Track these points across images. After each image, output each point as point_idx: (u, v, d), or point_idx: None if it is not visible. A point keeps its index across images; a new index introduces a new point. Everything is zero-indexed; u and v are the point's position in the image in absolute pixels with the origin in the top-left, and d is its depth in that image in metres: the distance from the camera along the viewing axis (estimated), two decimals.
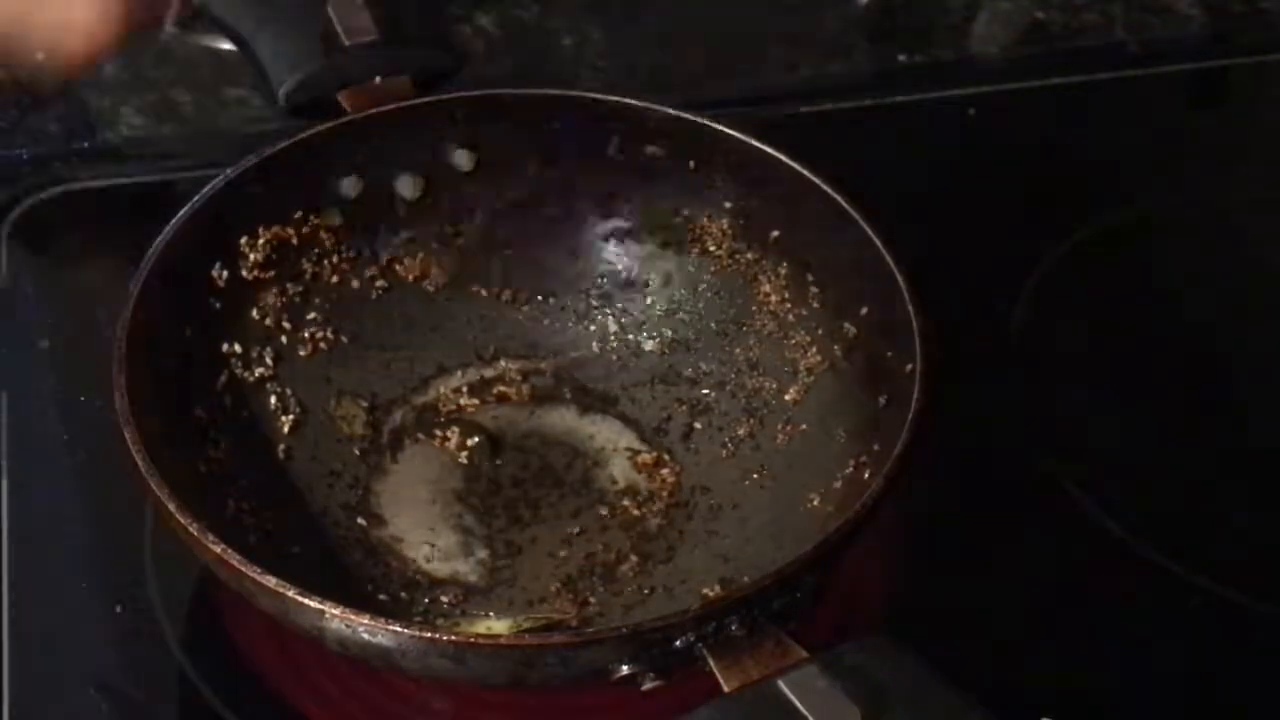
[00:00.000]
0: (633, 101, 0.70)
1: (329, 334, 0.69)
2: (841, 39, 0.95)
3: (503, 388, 0.70)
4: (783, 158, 0.67)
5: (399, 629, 0.51)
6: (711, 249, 0.71)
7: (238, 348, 0.66)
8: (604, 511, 0.66)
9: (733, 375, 0.69)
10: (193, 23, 0.90)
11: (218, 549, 0.53)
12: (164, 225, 0.63)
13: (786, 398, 0.67)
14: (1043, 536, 0.69)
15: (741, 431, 0.68)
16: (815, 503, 0.62)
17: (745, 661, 0.51)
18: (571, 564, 0.64)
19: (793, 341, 0.68)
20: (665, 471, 0.67)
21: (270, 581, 0.52)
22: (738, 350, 0.70)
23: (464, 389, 0.70)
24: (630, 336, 0.72)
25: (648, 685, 0.52)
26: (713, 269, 0.71)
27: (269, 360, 0.67)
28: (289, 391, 0.67)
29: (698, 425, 0.69)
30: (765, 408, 0.68)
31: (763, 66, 0.93)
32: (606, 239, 0.72)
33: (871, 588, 0.66)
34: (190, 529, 0.53)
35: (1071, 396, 0.75)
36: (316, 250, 0.69)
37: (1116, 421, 0.74)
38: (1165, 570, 0.67)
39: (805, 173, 0.66)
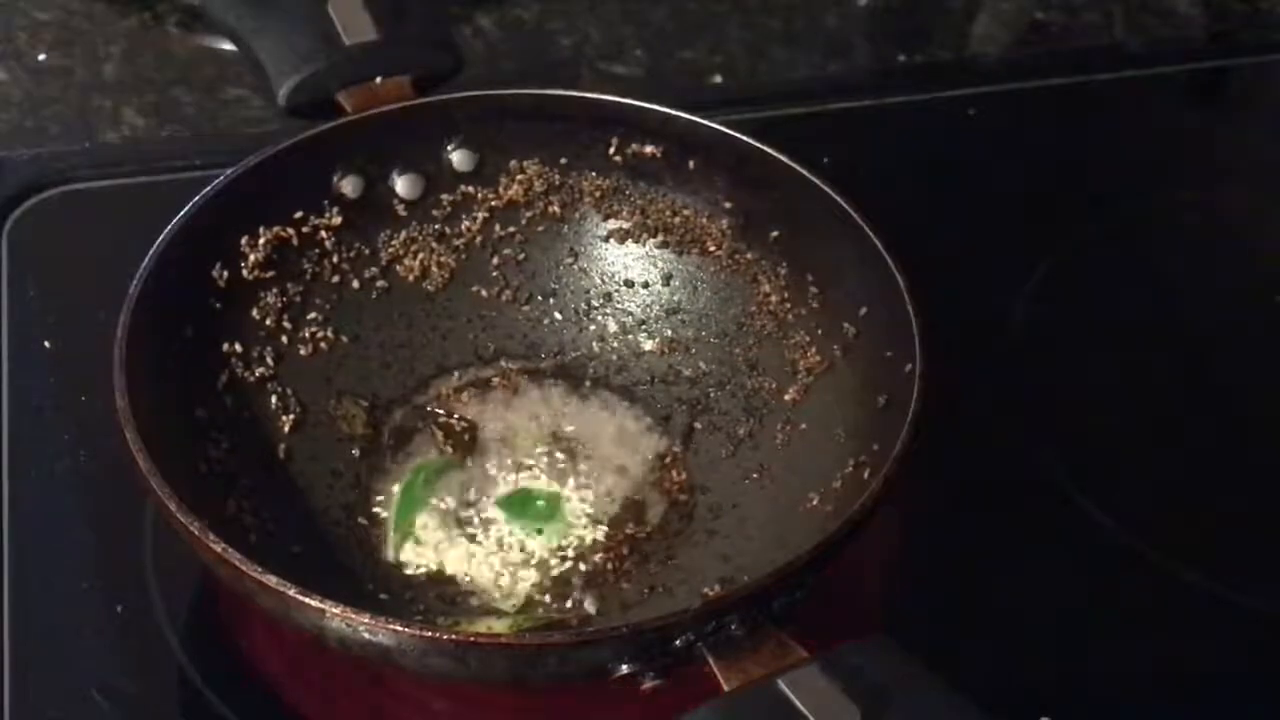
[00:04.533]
0: (633, 102, 0.70)
1: (329, 334, 0.69)
2: (841, 39, 0.95)
3: (503, 387, 0.70)
4: (783, 158, 0.67)
5: (399, 628, 0.51)
6: (711, 249, 0.71)
7: (238, 348, 0.66)
8: (604, 511, 0.66)
9: (732, 375, 0.69)
10: (193, 22, 0.91)
11: (218, 549, 0.53)
12: (164, 225, 0.63)
13: (786, 398, 0.67)
14: (1042, 536, 0.69)
15: (741, 431, 0.68)
16: (815, 503, 0.62)
17: (745, 661, 0.51)
18: (572, 563, 0.64)
19: (792, 341, 0.68)
20: (674, 472, 0.67)
21: (270, 581, 0.52)
22: (738, 350, 0.70)
23: (464, 389, 0.70)
24: (630, 336, 0.72)
25: (648, 685, 0.52)
26: (713, 269, 0.71)
27: (269, 360, 0.67)
28: (289, 391, 0.67)
29: (698, 425, 0.69)
30: (765, 408, 0.68)
31: (763, 66, 0.93)
32: (606, 239, 0.72)
33: (871, 588, 0.66)
34: (190, 529, 0.53)
35: (1071, 396, 0.75)
36: (316, 250, 0.69)
37: (1116, 421, 0.74)
38: (1165, 570, 0.67)
39: (805, 173, 0.66)
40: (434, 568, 0.63)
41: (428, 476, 0.66)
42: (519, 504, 0.65)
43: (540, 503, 0.66)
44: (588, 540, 0.65)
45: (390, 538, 0.64)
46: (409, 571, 0.63)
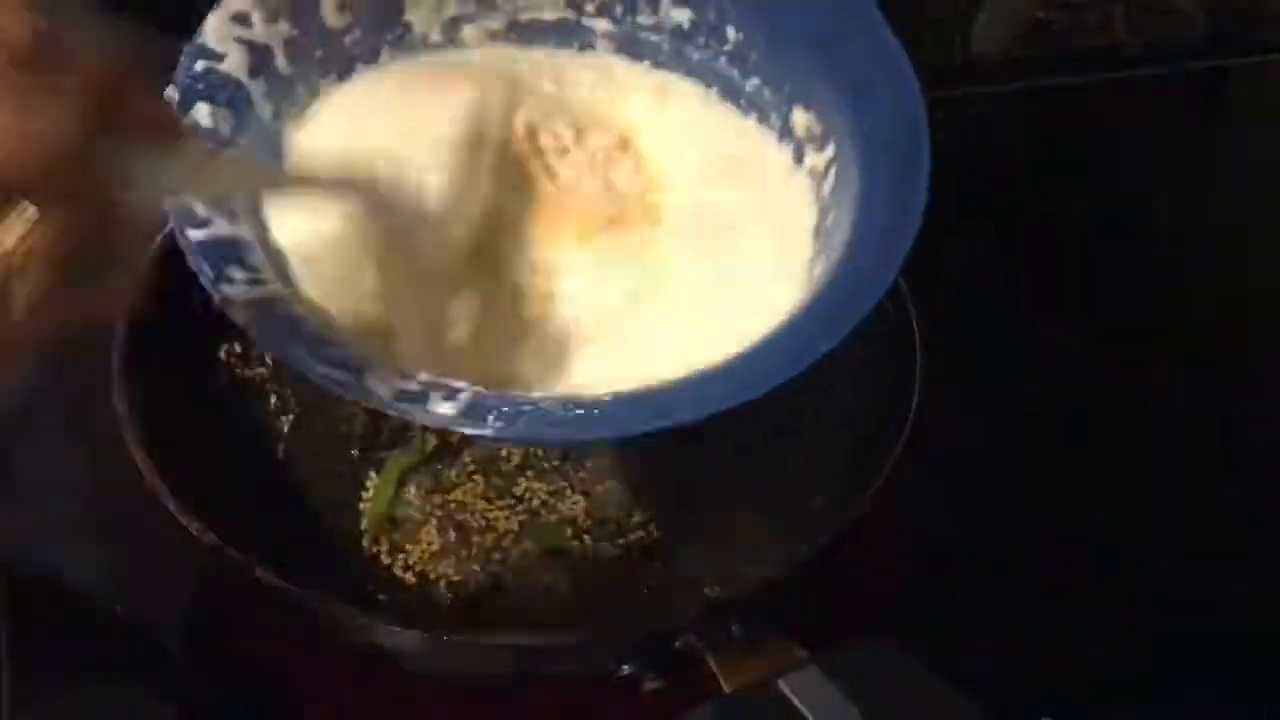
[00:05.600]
0: None
1: None
2: None
3: None
4: None
5: (399, 629, 0.51)
6: None
7: (238, 348, 0.66)
8: (604, 513, 0.66)
9: None
10: None
11: (218, 549, 0.53)
12: (164, 225, 0.63)
13: (786, 397, 0.67)
14: (1042, 537, 0.69)
15: (741, 432, 0.68)
16: (815, 503, 0.62)
17: (745, 661, 0.51)
18: (572, 564, 0.64)
19: None
20: (674, 473, 0.67)
21: (270, 581, 0.52)
22: None
23: None
24: None
25: (648, 685, 0.52)
26: None
27: (269, 360, 0.67)
28: (289, 391, 0.67)
29: (698, 425, 0.69)
30: (765, 408, 0.68)
31: None
32: None
33: (871, 588, 0.66)
34: (190, 529, 0.53)
35: (1071, 396, 0.75)
36: None
37: (1116, 421, 0.74)
38: (1164, 570, 0.67)
39: None
40: (434, 569, 0.63)
41: (404, 473, 0.66)
42: (541, 532, 0.65)
43: (568, 531, 0.66)
44: (588, 542, 0.65)
45: (367, 532, 0.64)
46: (409, 572, 0.63)
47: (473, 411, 0.45)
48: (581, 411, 0.46)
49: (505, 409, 0.46)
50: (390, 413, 0.46)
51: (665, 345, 0.52)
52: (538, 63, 0.59)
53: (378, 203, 0.50)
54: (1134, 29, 0.97)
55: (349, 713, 0.61)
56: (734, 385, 0.47)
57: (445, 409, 0.45)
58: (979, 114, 0.89)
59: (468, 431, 0.46)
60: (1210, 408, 0.75)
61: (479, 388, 0.46)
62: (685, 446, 0.68)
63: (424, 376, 0.47)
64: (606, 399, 0.47)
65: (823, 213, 0.54)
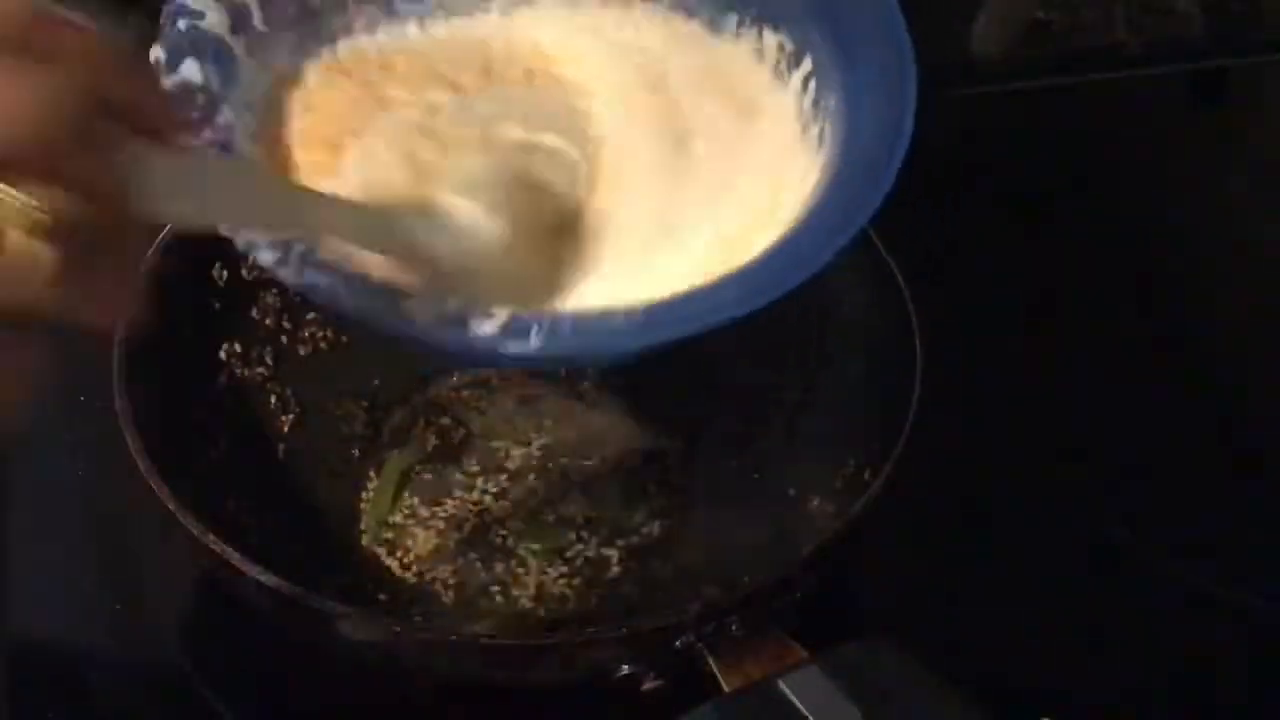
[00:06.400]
0: None
1: (329, 334, 0.69)
2: None
3: (503, 389, 0.70)
4: None
5: (399, 629, 0.51)
6: None
7: (238, 348, 0.66)
8: (604, 513, 0.66)
9: (733, 376, 0.69)
10: None
11: (218, 549, 0.53)
12: (164, 224, 0.63)
13: (786, 398, 0.67)
14: (1042, 537, 0.69)
15: (742, 431, 0.68)
16: (815, 503, 0.62)
17: (745, 661, 0.51)
18: (571, 564, 0.64)
19: (793, 341, 0.68)
20: (674, 472, 0.67)
21: (270, 581, 0.52)
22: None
23: (464, 389, 0.70)
24: None
25: (648, 685, 0.52)
26: None
27: (269, 360, 0.67)
28: (289, 391, 0.67)
29: (698, 425, 0.69)
30: (765, 408, 0.68)
31: None
32: None
33: (872, 588, 0.66)
34: (190, 529, 0.53)
35: (1071, 396, 0.75)
36: None
37: (1117, 421, 0.74)
38: (1165, 570, 0.67)
39: None
40: (434, 569, 0.64)
41: (404, 473, 0.66)
42: (541, 532, 0.66)
43: (568, 531, 0.66)
44: (588, 542, 0.65)
45: (367, 532, 0.64)
46: (409, 572, 0.63)
47: (513, 328, 0.45)
48: (621, 319, 0.45)
49: (545, 322, 0.45)
50: (429, 339, 0.45)
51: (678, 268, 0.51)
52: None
53: (415, 248, 0.49)
54: (1134, 29, 0.97)
55: (348, 713, 0.61)
56: (778, 277, 0.47)
57: (486, 328, 0.45)
58: (979, 114, 0.89)
59: (511, 350, 0.45)
60: (1210, 408, 0.75)
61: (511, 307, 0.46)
62: (685, 445, 0.68)
63: (457, 302, 0.46)
64: (641, 307, 0.46)
65: (809, 125, 0.54)
